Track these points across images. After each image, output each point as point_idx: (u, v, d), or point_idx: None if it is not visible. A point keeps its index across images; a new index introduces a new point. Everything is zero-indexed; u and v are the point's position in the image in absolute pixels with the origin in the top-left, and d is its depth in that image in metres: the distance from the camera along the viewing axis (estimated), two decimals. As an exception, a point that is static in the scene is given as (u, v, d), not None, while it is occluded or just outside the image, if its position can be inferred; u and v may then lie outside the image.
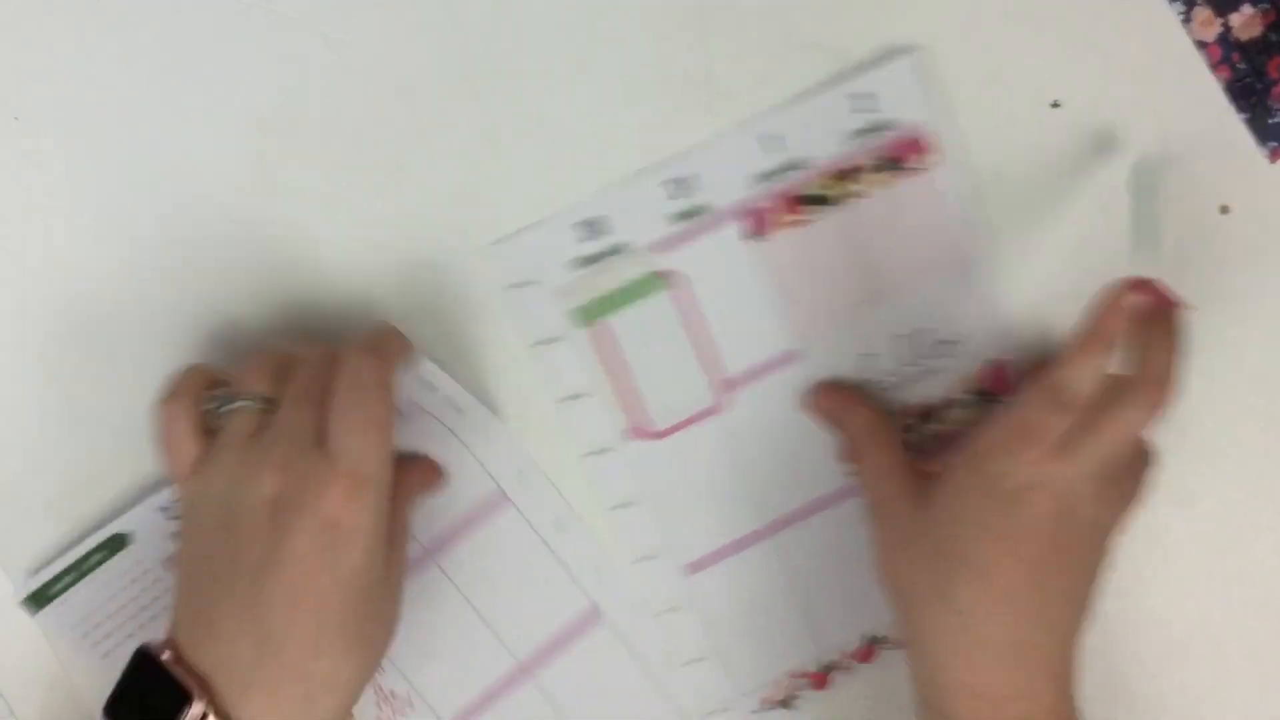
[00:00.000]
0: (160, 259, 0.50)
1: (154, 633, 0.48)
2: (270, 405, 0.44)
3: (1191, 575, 0.53)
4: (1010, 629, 0.44)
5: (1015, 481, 0.44)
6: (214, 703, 0.41)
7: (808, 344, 0.51)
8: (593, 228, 0.49)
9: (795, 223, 0.50)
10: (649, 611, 0.52)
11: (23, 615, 0.51)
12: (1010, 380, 0.52)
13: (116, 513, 0.50)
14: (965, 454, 0.46)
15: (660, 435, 0.51)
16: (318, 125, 0.50)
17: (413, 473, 0.49)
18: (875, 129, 0.49)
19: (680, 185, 0.49)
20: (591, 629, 0.52)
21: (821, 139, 0.49)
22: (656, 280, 0.50)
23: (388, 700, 0.51)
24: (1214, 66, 0.51)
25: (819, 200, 0.50)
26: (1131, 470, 0.47)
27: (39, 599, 0.50)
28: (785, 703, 0.53)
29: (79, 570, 0.50)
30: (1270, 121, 0.52)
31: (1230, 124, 0.52)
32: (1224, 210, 0.52)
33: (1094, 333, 0.45)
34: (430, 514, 0.51)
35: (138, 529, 0.50)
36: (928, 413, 0.52)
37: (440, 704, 0.52)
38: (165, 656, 0.42)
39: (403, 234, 0.50)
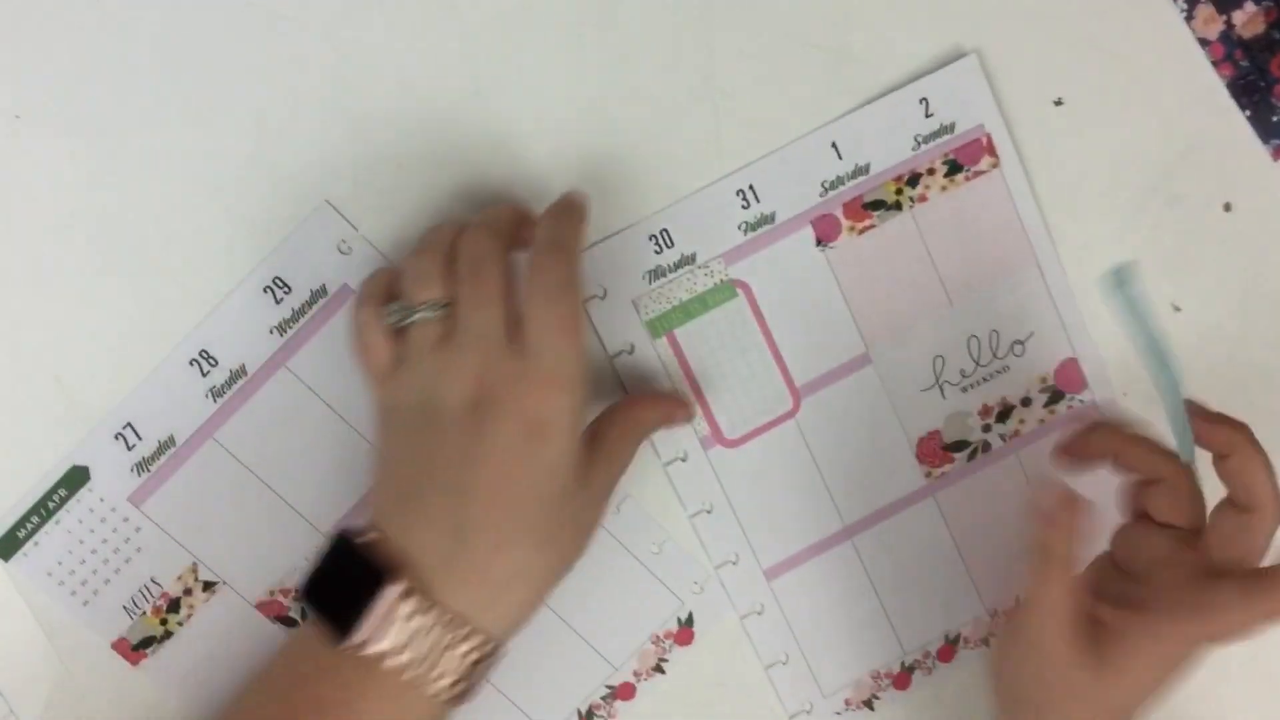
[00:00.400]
0: (160, 259, 0.50)
1: (131, 575, 0.51)
2: (449, 308, 0.44)
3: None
4: None
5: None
6: (411, 584, 0.42)
7: (879, 348, 0.51)
8: (666, 239, 0.50)
9: (863, 228, 0.50)
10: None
11: (23, 615, 0.51)
12: (1082, 377, 0.52)
13: (69, 443, 0.50)
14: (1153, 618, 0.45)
15: (737, 442, 0.52)
16: (317, 122, 0.50)
17: (659, 405, 0.49)
18: (937, 132, 0.50)
19: (751, 194, 0.49)
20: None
21: (885, 144, 0.50)
22: (729, 289, 0.50)
23: None
24: (1216, 64, 0.51)
25: (885, 205, 0.50)
26: None
27: (7, 545, 0.50)
28: (868, 703, 0.54)
29: (43, 511, 0.50)
30: (1273, 119, 0.51)
31: (1233, 121, 0.52)
32: (1227, 208, 0.52)
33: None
34: None
35: (94, 460, 0.50)
36: (1003, 412, 0.52)
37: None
38: (367, 537, 0.43)
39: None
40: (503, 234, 0.46)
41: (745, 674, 0.54)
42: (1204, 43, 0.51)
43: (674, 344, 0.51)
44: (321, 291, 0.50)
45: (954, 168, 0.50)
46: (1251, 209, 0.52)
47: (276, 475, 0.51)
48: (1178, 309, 0.53)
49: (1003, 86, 0.51)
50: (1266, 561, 0.45)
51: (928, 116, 0.50)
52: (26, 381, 0.50)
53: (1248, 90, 0.51)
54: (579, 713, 0.54)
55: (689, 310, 0.51)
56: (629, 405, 0.49)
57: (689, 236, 0.50)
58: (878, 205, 0.50)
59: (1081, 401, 0.53)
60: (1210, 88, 0.51)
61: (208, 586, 0.51)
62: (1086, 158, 0.52)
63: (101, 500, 0.50)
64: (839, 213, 0.50)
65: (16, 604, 0.50)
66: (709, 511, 0.52)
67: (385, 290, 0.46)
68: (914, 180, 0.50)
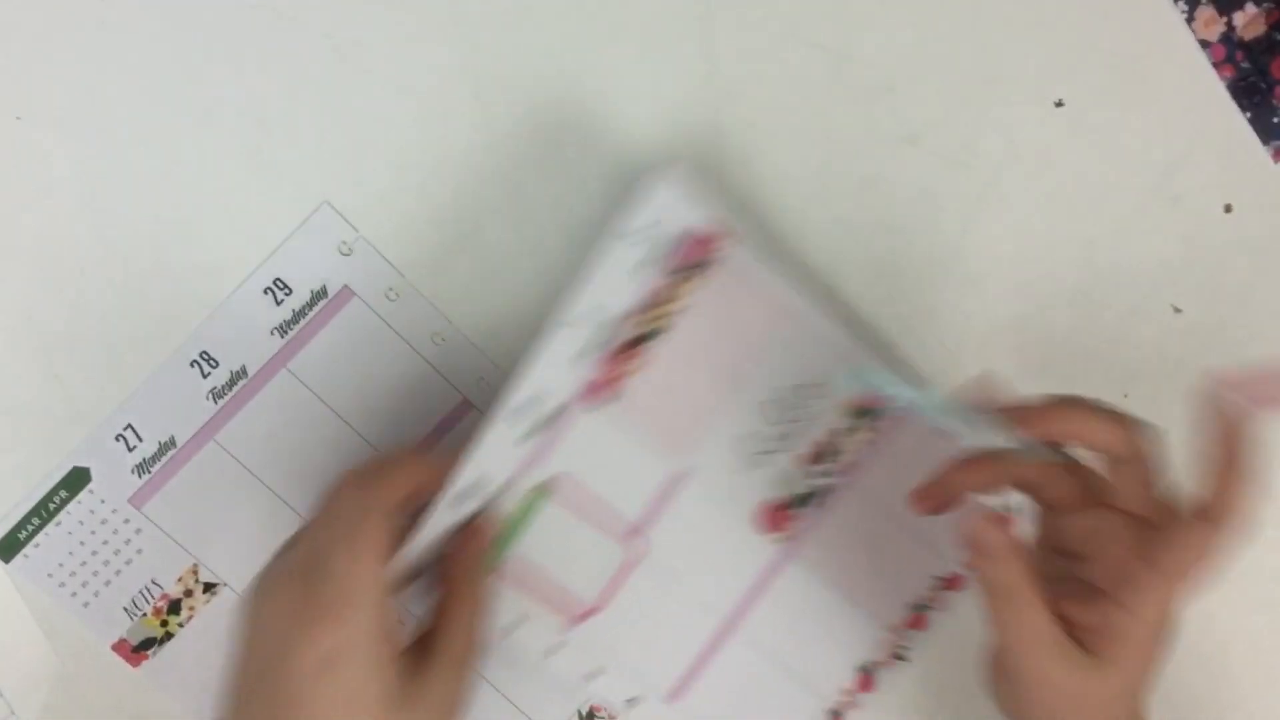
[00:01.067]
0: (161, 260, 0.50)
1: (130, 579, 0.50)
2: None
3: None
4: None
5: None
6: None
7: (691, 459, 0.51)
8: (466, 493, 0.47)
9: (634, 370, 0.49)
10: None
11: (23, 615, 0.51)
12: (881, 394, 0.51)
13: (71, 445, 0.50)
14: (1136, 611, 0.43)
15: (598, 609, 0.51)
16: (317, 123, 0.50)
17: (477, 537, 0.48)
18: (659, 249, 0.48)
19: (520, 411, 0.47)
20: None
21: (614, 288, 0.48)
22: (539, 494, 0.49)
23: None
24: (1217, 65, 0.51)
25: (646, 338, 0.49)
26: None
27: (8, 547, 0.50)
28: None
29: (44, 512, 0.50)
30: (1273, 120, 0.51)
31: (1233, 123, 0.52)
32: (1227, 209, 0.52)
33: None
34: (392, 430, 0.51)
35: (95, 461, 0.50)
36: (821, 452, 0.52)
37: None
38: None
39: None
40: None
41: None
42: (1205, 44, 0.51)
43: (510, 569, 0.50)
44: (322, 293, 0.50)
45: (691, 270, 0.49)
46: (1252, 210, 0.52)
47: (277, 476, 0.51)
48: (1178, 310, 0.53)
49: (1004, 87, 0.51)
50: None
51: (643, 243, 0.48)
52: (27, 383, 0.50)
53: (1248, 92, 0.51)
54: (579, 714, 0.54)
55: (510, 533, 0.49)
56: (453, 581, 0.46)
57: (481, 475, 0.47)
58: (638, 341, 0.49)
59: (893, 409, 0.52)
60: (1211, 89, 0.51)
61: (208, 588, 0.51)
62: (1087, 159, 0.52)
63: (102, 502, 0.50)
64: (605, 371, 0.49)
65: (16, 605, 0.50)
66: (600, 674, 0.52)
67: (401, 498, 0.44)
68: (661, 301, 0.49)
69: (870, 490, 0.52)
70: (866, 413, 0.52)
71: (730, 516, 0.52)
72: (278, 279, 0.50)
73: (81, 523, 0.50)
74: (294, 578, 0.41)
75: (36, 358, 0.50)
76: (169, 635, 0.51)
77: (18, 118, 0.49)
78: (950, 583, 0.53)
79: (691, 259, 0.48)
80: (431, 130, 0.50)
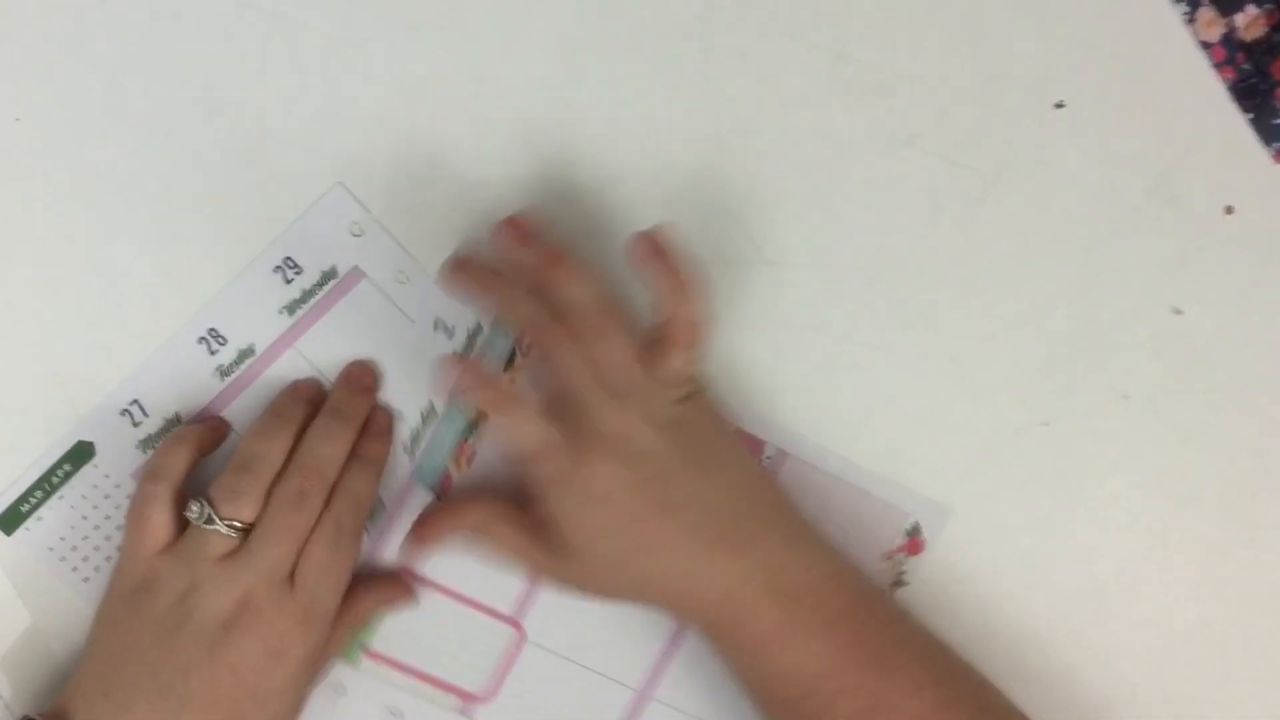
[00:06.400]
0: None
1: None
2: (245, 531, 0.46)
3: (1191, 575, 0.53)
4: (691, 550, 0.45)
5: (604, 481, 0.45)
6: None
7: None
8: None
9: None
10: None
11: (23, 615, 0.51)
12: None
13: (75, 419, 0.50)
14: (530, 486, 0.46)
15: (493, 693, 0.51)
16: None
17: (378, 591, 0.50)
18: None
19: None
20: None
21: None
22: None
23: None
24: (1218, 67, 0.52)
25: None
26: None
27: (10, 519, 0.50)
28: None
29: (47, 485, 0.50)
30: (1274, 122, 0.52)
31: (1234, 124, 0.52)
32: (1228, 210, 0.53)
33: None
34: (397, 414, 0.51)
35: (100, 435, 0.50)
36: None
37: None
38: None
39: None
40: (350, 443, 0.48)
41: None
42: (1205, 45, 0.51)
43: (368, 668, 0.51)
44: (332, 273, 0.51)
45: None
46: (1253, 212, 0.52)
47: None
48: (1178, 312, 0.53)
49: (1004, 87, 0.51)
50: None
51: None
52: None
53: (1249, 93, 0.52)
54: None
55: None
56: (346, 606, 0.49)
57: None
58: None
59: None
60: (1211, 90, 0.52)
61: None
62: (1087, 160, 0.52)
63: (106, 476, 0.50)
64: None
65: (13, 600, 0.50)
66: None
67: (179, 471, 0.47)
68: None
69: None
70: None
71: None
72: (288, 258, 0.51)
73: (84, 497, 0.50)
74: (270, 583, 0.46)
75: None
76: (168, 611, 0.51)
77: (17, 119, 0.50)
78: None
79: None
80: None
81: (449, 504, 0.50)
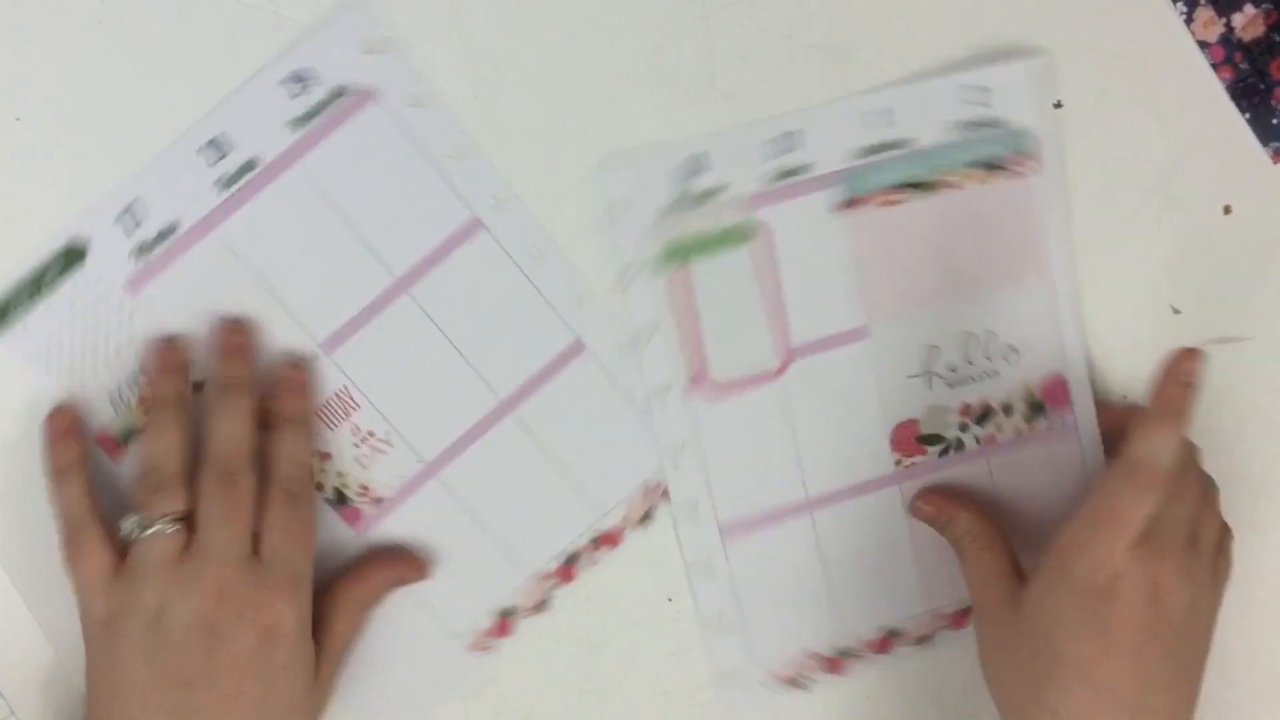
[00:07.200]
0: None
1: (119, 366, 0.49)
2: (187, 520, 0.45)
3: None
4: None
5: (1104, 574, 0.43)
6: None
7: (876, 324, 0.51)
8: (697, 164, 0.50)
9: (887, 202, 0.50)
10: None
11: (23, 615, 0.50)
12: (1067, 395, 0.52)
13: (68, 220, 0.49)
14: (1052, 550, 0.45)
15: (717, 394, 0.51)
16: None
17: (388, 569, 0.50)
18: (982, 124, 0.50)
19: (786, 141, 0.49)
20: (574, 362, 0.51)
21: (928, 123, 0.50)
22: (746, 230, 0.50)
23: (365, 439, 0.50)
24: (1216, 67, 0.51)
25: (914, 184, 0.50)
26: (1220, 546, 0.47)
27: None
28: (795, 681, 0.53)
29: (35, 287, 0.48)
30: (1273, 122, 0.52)
31: (1232, 124, 0.52)
32: (1226, 210, 0.53)
33: (1159, 404, 0.45)
34: (401, 244, 0.50)
35: (94, 238, 0.49)
36: (983, 414, 0.52)
37: (420, 443, 0.51)
38: None
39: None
40: (253, 409, 0.47)
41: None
42: (1204, 45, 0.51)
43: (679, 278, 0.50)
44: (342, 91, 0.49)
45: (990, 163, 0.50)
46: (1251, 212, 0.52)
47: (277, 279, 0.50)
48: (1177, 312, 0.53)
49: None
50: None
51: (976, 105, 0.50)
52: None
53: (1247, 93, 0.51)
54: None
55: (704, 244, 0.50)
56: (355, 580, 0.49)
57: (720, 167, 0.50)
58: (906, 182, 0.50)
59: (1061, 420, 0.52)
60: (1210, 90, 0.52)
61: (197, 387, 0.49)
62: (1086, 159, 0.52)
63: (97, 282, 0.49)
64: (869, 181, 0.50)
65: (18, 605, 0.50)
66: (679, 449, 0.51)
67: (83, 454, 0.46)
68: (950, 167, 0.50)
69: (989, 474, 0.53)
70: (1040, 408, 0.52)
71: (873, 409, 0.51)
72: (298, 70, 0.49)
73: (73, 303, 0.48)
74: (238, 566, 0.45)
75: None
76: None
77: (17, 118, 0.49)
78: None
79: (1009, 156, 0.50)
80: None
81: (957, 493, 0.51)
